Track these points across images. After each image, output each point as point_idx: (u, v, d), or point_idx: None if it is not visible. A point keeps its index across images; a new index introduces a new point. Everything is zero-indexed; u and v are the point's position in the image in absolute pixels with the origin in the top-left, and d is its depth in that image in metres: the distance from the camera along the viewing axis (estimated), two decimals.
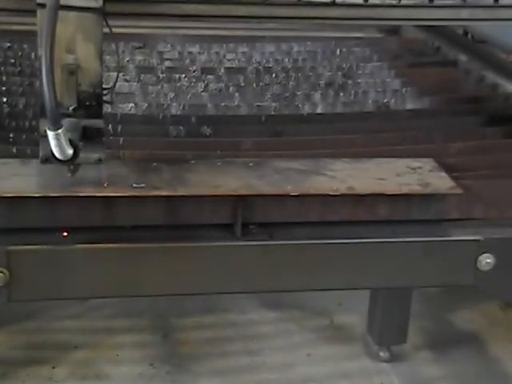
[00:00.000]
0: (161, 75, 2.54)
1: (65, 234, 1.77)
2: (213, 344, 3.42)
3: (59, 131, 1.57)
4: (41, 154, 1.66)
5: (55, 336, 3.44)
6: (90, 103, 1.68)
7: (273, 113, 2.32)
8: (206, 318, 3.60)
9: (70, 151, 1.61)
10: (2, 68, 2.51)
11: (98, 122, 1.69)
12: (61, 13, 1.56)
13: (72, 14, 1.62)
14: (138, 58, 2.72)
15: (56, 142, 1.58)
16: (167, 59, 2.73)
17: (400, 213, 1.89)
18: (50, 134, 1.58)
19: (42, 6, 1.57)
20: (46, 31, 1.53)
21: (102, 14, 1.65)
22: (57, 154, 1.61)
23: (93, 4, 1.63)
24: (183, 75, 2.54)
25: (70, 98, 1.66)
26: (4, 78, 2.42)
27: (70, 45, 1.64)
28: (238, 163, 1.90)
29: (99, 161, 1.71)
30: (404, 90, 2.51)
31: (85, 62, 1.65)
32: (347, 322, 3.62)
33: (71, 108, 1.66)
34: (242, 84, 2.52)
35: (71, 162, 1.64)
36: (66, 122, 1.61)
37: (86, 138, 1.68)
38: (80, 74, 1.65)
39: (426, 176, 1.89)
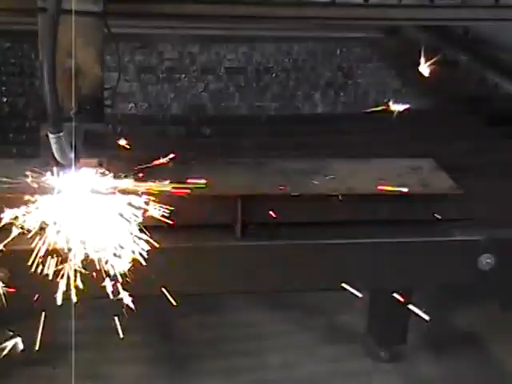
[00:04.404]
0: (161, 75, 2.54)
1: None
2: (213, 344, 3.42)
3: (60, 135, 1.57)
4: (42, 157, 1.66)
5: (55, 336, 3.44)
6: (91, 107, 1.68)
7: (273, 113, 2.32)
8: (206, 318, 3.60)
9: (71, 155, 1.61)
10: (2, 68, 2.51)
11: (98, 126, 1.69)
12: (62, 17, 1.56)
13: (73, 18, 1.62)
14: (138, 58, 2.72)
15: (57, 146, 1.59)
16: (167, 59, 2.73)
17: (400, 213, 1.89)
18: (52, 138, 1.58)
19: (43, 10, 1.57)
20: (48, 36, 1.52)
21: (103, 18, 1.65)
22: (58, 158, 1.61)
23: (93, 8, 1.63)
24: (183, 75, 2.54)
25: (71, 102, 1.66)
26: (4, 78, 2.42)
27: (70, 49, 1.64)
28: (238, 163, 1.90)
29: (100, 165, 1.71)
30: (404, 90, 2.50)
31: (85, 66, 1.66)
32: (347, 322, 3.61)
33: (72, 112, 1.66)
34: (242, 84, 2.52)
35: (72, 166, 1.65)
36: (67, 125, 1.61)
37: (86, 141, 1.68)
38: (81, 78, 1.66)
39: (427, 176, 1.89)
